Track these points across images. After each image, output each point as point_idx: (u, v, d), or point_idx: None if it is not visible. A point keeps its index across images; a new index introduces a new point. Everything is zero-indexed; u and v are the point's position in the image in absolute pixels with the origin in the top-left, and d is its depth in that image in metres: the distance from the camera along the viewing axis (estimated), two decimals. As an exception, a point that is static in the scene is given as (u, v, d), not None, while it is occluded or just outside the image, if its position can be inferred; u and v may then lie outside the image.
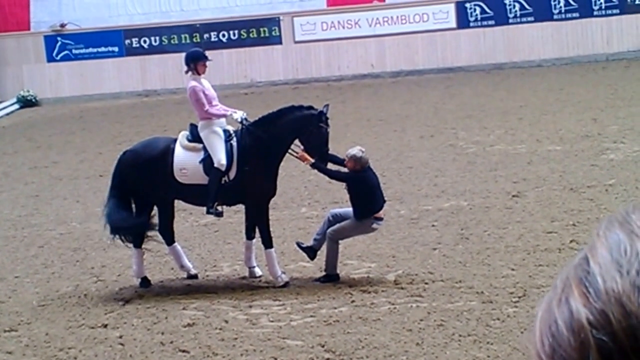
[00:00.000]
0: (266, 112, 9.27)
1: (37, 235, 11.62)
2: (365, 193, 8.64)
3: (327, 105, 9.06)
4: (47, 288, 9.36)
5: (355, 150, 8.72)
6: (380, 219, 8.77)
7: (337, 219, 8.77)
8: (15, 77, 26.25)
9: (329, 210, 9.38)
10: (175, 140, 9.22)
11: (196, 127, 9.23)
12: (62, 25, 26.51)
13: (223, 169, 8.94)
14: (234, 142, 9.06)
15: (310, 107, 9.04)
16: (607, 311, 0.78)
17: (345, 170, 8.82)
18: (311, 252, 8.86)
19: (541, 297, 0.87)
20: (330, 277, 8.70)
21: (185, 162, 9.04)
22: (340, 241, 8.78)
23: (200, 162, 9.01)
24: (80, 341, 7.75)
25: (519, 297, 7.80)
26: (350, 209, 8.74)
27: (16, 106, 25.69)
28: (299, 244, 9.04)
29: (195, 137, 9.15)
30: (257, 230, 9.11)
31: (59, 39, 26.46)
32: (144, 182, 9.05)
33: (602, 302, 0.78)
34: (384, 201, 8.88)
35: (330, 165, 9.02)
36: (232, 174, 8.99)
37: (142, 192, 9.13)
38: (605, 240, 0.83)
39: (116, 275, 9.55)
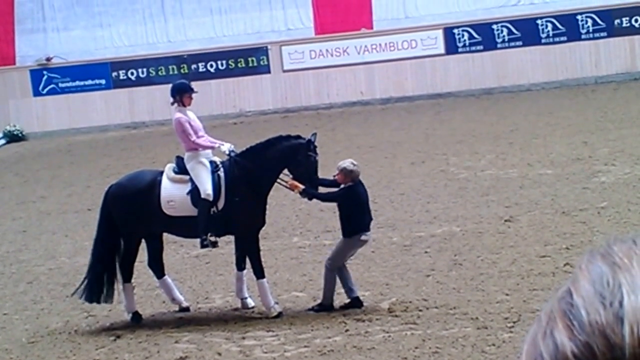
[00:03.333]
0: (255, 142, 9.23)
1: (25, 271, 11.49)
2: (356, 208, 8.55)
3: (314, 134, 9.03)
4: (36, 324, 9.23)
5: (347, 163, 8.63)
6: (367, 229, 8.69)
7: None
8: (1, 112, 26.17)
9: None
10: (161, 173, 9.16)
11: (182, 159, 9.17)
12: (48, 59, 26.50)
13: (210, 199, 8.87)
14: (221, 172, 9.02)
15: (298, 137, 9.01)
16: (591, 344, 0.78)
17: (334, 189, 8.76)
18: (357, 302, 8.59)
19: (527, 331, 0.86)
20: (325, 307, 8.60)
21: (173, 194, 8.97)
22: (334, 270, 8.63)
23: (187, 193, 8.94)
24: (70, 378, 7.62)
25: (514, 322, 7.73)
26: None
27: (2, 141, 25.60)
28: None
29: (181, 169, 9.09)
30: (248, 261, 9.03)
31: (45, 72, 26.44)
32: (131, 215, 8.96)
33: (586, 334, 0.78)
34: (371, 218, 8.82)
35: (321, 189, 8.96)
36: (221, 204, 8.93)
37: (130, 226, 9.03)
38: (587, 272, 0.83)
39: (107, 310, 9.41)
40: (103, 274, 8.99)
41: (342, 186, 8.69)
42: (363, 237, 8.64)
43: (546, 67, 24.69)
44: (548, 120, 18.86)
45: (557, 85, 24.26)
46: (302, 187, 8.65)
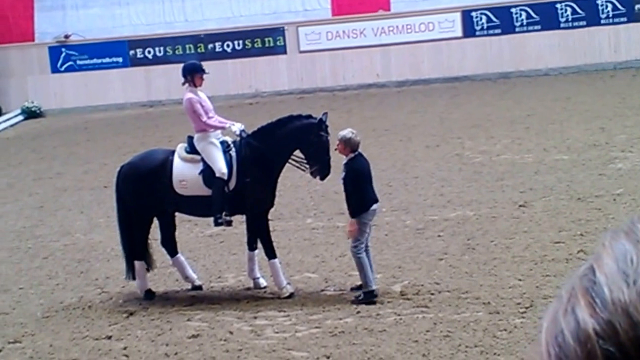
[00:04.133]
0: (266, 122, 9.20)
1: (41, 247, 11.59)
2: (362, 180, 8.30)
3: (325, 113, 8.98)
4: (51, 299, 9.32)
5: (346, 132, 8.45)
6: (376, 202, 8.44)
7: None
8: (19, 88, 26.33)
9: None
10: (173, 152, 9.17)
11: (193, 138, 9.18)
12: (67, 37, 26.60)
13: (225, 177, 8.89)
14: (232, 152, 9.02)
15: (309, 116, 8.98)
16: (613, 322, 0.77)
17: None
18: (371, 295, 8.35)
19: (547, 308, 0.86)
20: (369, 294, 8.28)
21: (185, 173, 8.99)
22: (361, 250, 8.33)
23: (199, 173, 8.95)
24: (85, 353, 7.70)
25: (526, 308, 7.72)
26: None
27: (20, 117, 25.77)
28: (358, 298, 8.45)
29: (193, 148, 9.10)
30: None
31: (63, 50, 26.54)
32: (143, 194, 9.00)
33: (608, 312, 0.78)
34: (376, 200, 8.47)
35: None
36: (232, 184, 8.94)
37: (141, 205, 9.07)
38: (611, 250, 0.83)
39: (120, 287, 9.50)
40: (131, 252, 9.10)
41: (344, 161, 8.55)
42: (373, 207, 8.38)
43: (565, 51, 24.50)
44: (565, 106, 18.75)
45: (575, 71, 24.08)
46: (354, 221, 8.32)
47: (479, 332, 7.31)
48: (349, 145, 8.38)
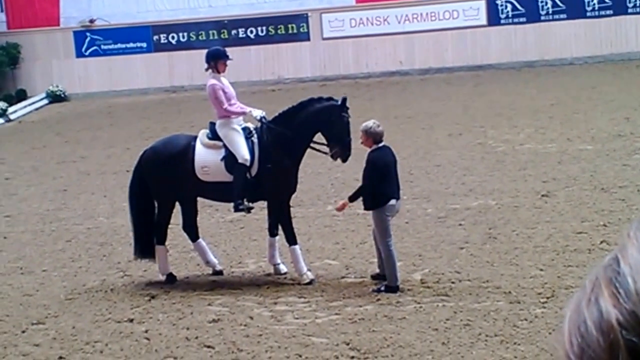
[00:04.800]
0: (286, 107, 9.18)
1: (64, 230, 11.70)
2: (378, 174, 8.12)
3: (345, 97, 8.93)
4: (74, 282, 9.42)
5: (369, 123, 8.32)
6: (396, 197, 8.27)
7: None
8: (44, 72, 26.52)
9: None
10: (195, 138, 9.19)
11: (215, 124, 9.20)
12: (91, 21, 26.74)
13: (247, 164, 8.91)
14: (254, 139, 9.03)
15: (330, 98, 8.98)
16: (637, 312, 0.77)
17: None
18: (393, 290, 8.25)
19: (570, 298, 0.86)
20: (392, 288, 8.23)
21: (207, 159, 9.02)
22: (392, 245, 8.28)
23: (221, 159, 8.97)
24: (107, 335, 7.78)
25: (547, 298, 7.69)
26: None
27: (45, 101, 25.98)
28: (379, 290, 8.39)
29: (215, 135, 9.12)
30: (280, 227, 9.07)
31: (88, 34, 26.68)
32: (165, 180, 9.04)
33: (632, 303, 0.78)
34: (395, 196, 8.26)
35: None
36: (254, 170, 8.96)
37: (164, 190, 9.12)
38: (636, 241, 0.82)
39: (142, 271, 9.57)
40: (140, 233, 9.17)
41: (367, 151, 8.49)
42: (392, 202, 8.21)
43: (590, 41, 24.26)
44: (590, 95, 18.59)
45: (600, 60, 23.84)
46: (348, 203, 8.39)
47: (500, 322, 7.30)
48: (371, 136, 8.27)
